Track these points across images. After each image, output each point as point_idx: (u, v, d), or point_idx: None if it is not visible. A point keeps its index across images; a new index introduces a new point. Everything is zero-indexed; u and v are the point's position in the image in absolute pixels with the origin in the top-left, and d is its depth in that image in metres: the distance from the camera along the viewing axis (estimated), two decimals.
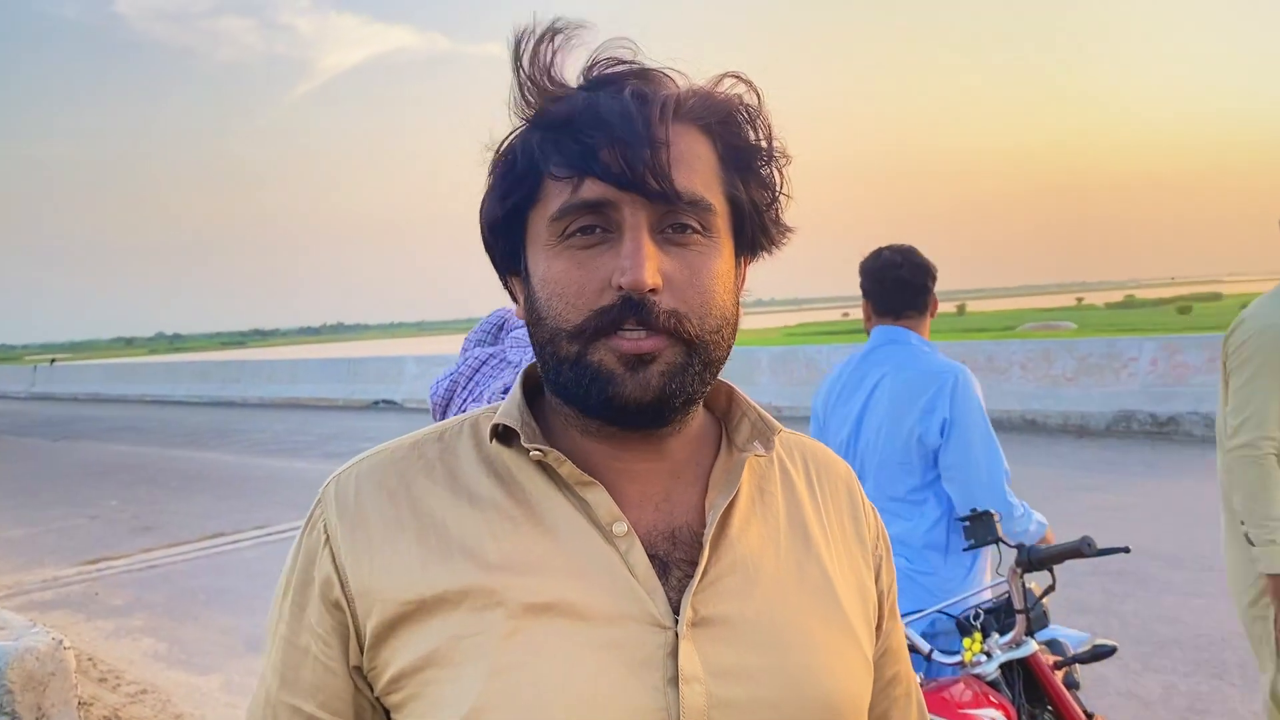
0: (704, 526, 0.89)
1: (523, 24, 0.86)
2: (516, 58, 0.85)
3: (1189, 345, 11.32)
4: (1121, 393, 11.40)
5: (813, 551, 0.94)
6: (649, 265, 0.80)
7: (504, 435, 0.90)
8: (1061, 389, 11.88)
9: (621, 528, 0.84)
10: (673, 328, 0.82)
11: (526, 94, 0.86)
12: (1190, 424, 10.71)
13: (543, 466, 0.88)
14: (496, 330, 1.70)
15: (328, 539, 0.86)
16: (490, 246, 0.93)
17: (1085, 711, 2.44)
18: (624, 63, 0.86)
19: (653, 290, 0.80)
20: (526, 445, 0.86)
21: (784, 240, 0.94)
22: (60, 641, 2.73)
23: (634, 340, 0.81)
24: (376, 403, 20.60)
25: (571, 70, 0.87)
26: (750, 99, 0.88)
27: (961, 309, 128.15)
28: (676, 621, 0.82)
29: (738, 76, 0.88)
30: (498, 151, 0.89)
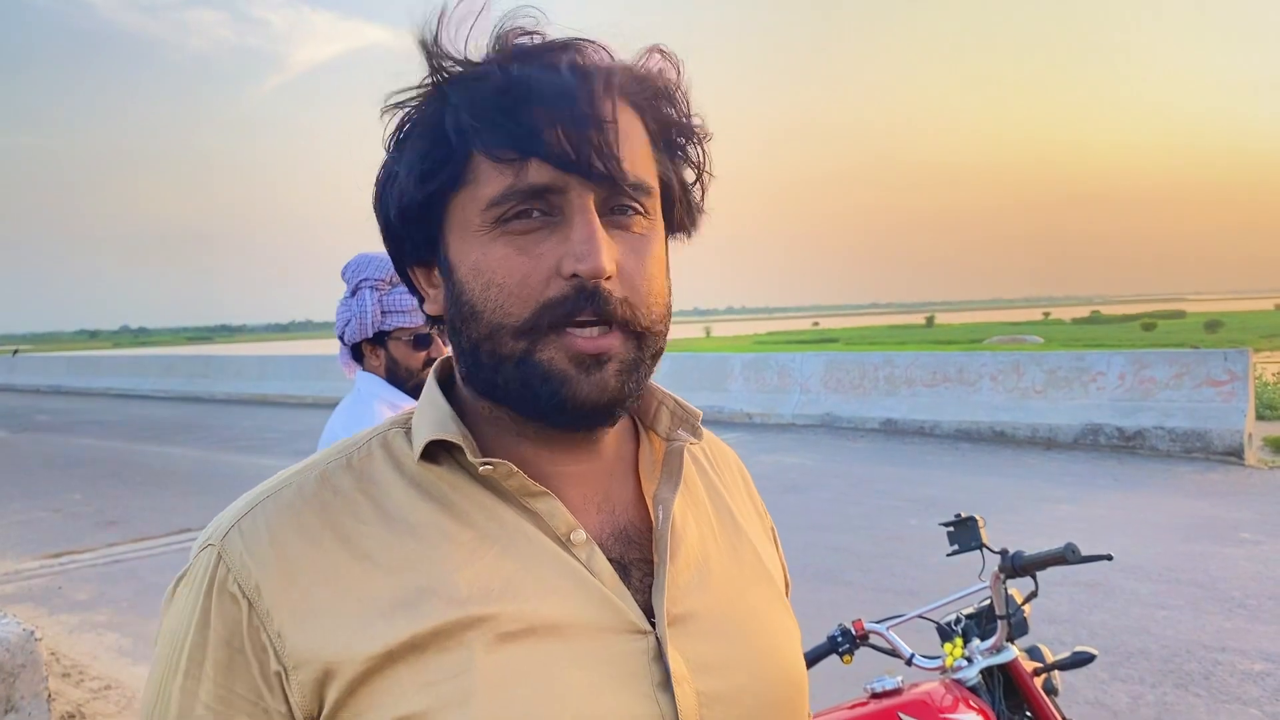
0: (646, 522, 0.87)
1: None
2: (435, 27, 0.78)
3: (1156, 360, 11.45)
4: (1089, 406, 11.52)
5: (740, 532, 0.94)
6: (605, 250, 0.75)
7: (428, 451, 0.82)
8: (1030, 401, 11.98)
9: (580, 536, 0.81)
10: (626, 319, 0.77)
11: (441, 63, 0.79)
12: (1156, 438, 10.83)
13: (480, 480, 0.81)
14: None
15: (250, 605, 0.75)
16: (397, 235, 0.84)
17: (1064, 718, 2.46)
18: (534, 33, 0.79)
19: (607, 278, 0.76)
20: (474, 460, 0.79)
21: (700, 223, 0.90)
22: (31, 633, 2.68)
23: (590, 339, 0.76)
24: None
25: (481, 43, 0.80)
26: (672, 74, 0.84)
27: (930, 321, 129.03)
28: (653, 624, 0.80)
29: (660, 50, 0.83)
30: (401, 126, 0.81)
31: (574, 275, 0.75)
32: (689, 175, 0.87)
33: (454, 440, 0.81)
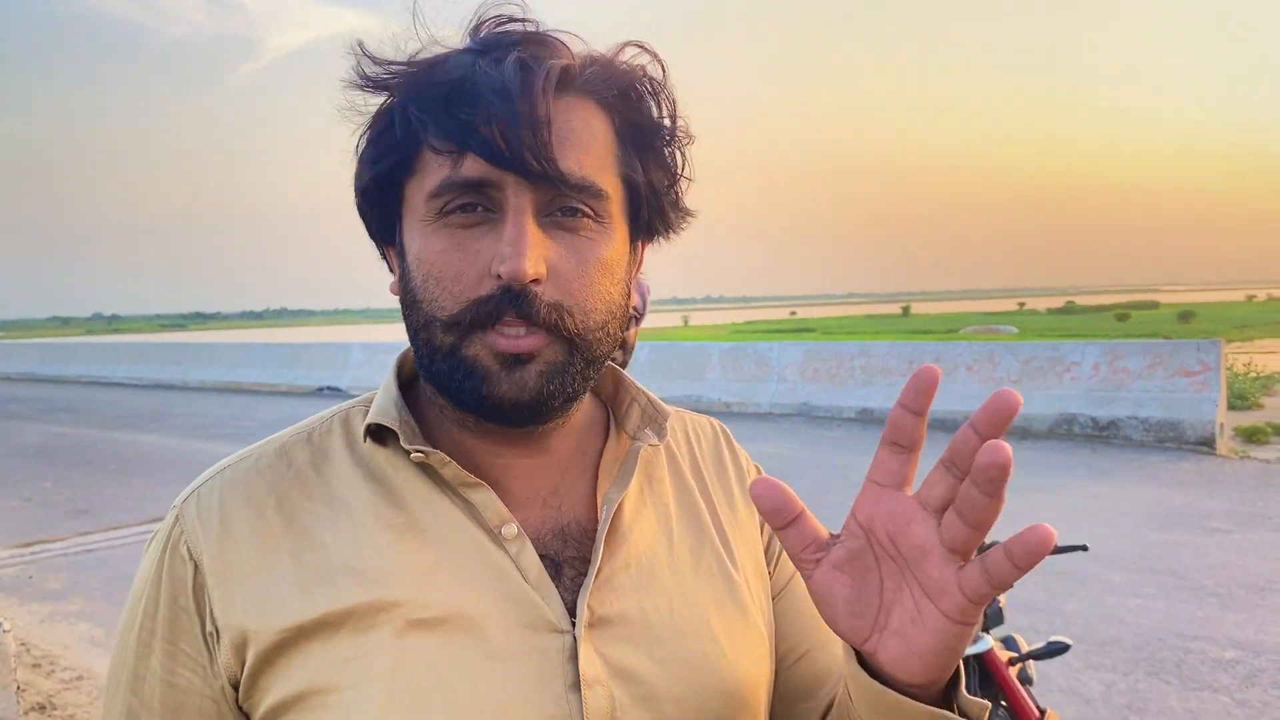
0: (594, 520, 0.85)
1: None
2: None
3: (1130, 350, 11.54)
4: (1064, 396, 11.60)
5: (705, 534, 0.91)
6: (531, 254, 0.74)
7: (377, 434, 0.83)
8: None
9: (511, 530, 0.80)
10: (554, 323, 0.76)
11: (404, 50, 0.79)
12: (1130, 428, 10.92)
13: (423, 467, 0.82)
14: None
15: (196, 566, 0.78)
16: (364, 214, 0.85)
17: (1038, 707, 2.47)
18: (514, 21, 0.79)
19: (535, 281, 0.75)
20: (407, 447, 0.80)
21: (683, 225, 0.89)
22: None
23: (512, 339, 0.76)
24: (321, 389, 20.34)
25: (456, 30, 0.80)
26: (654, 71, 0.82)
27: (906, 310, 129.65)
28: (574, 624, 0.79)
29: (641, 46, 0.82)
30: (375, 114, 0.80)
31: (500, 276, 0.75)
32: (663, 178, 0.84)
33: (391, 426, 0.82)
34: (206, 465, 0.90)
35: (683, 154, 0.85)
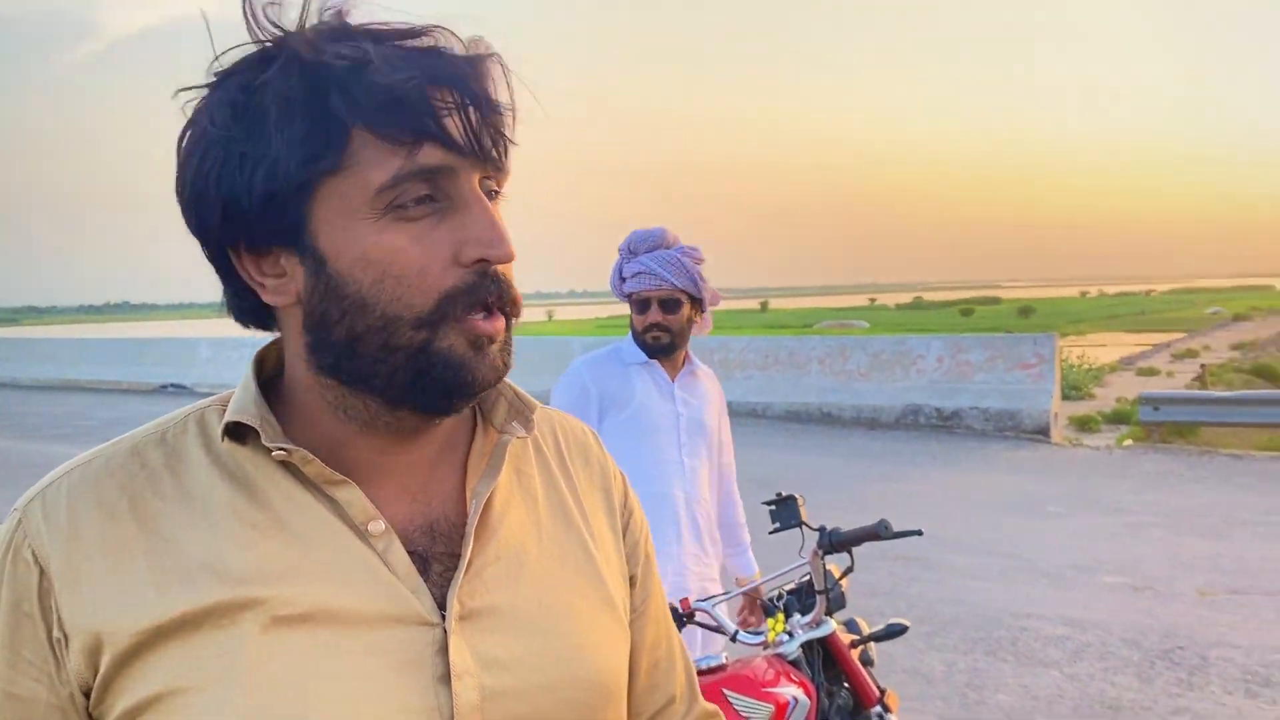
0: (463, 515, 0.86)
1: None
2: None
3: (972, 345, 12.07)
4: (910, 388, 12.05)
5: (573, 528, 0.92)
6: (509, 235, 0.76)
7: (236, 432, 0.81)
8: (856, 384, 12.44)
9: (378, 526, 0.79)
10: (513, 298, 0.80)
11: (308, 32, 0.74)
12: (971, 418, 11.43)
13: (286, 466, 0.80)
14: None
15: (42, 571, 0.75)
16: (244, 219, 0.76)
17: (878, 687, 2.57)
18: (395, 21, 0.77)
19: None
20: (268, 444, 0.78)
21: None
22: None
23: (489, 321, 0.77)
24: (165, 386, 19.53)
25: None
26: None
27: (764, 306, 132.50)
28: (444, 617, 0.79)
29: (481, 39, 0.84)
30: (246, 100, 0.74)
31: (478, 261, 0.76)
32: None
33: (251, 423, 0.79)
34: (44, 468, 0.86)
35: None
